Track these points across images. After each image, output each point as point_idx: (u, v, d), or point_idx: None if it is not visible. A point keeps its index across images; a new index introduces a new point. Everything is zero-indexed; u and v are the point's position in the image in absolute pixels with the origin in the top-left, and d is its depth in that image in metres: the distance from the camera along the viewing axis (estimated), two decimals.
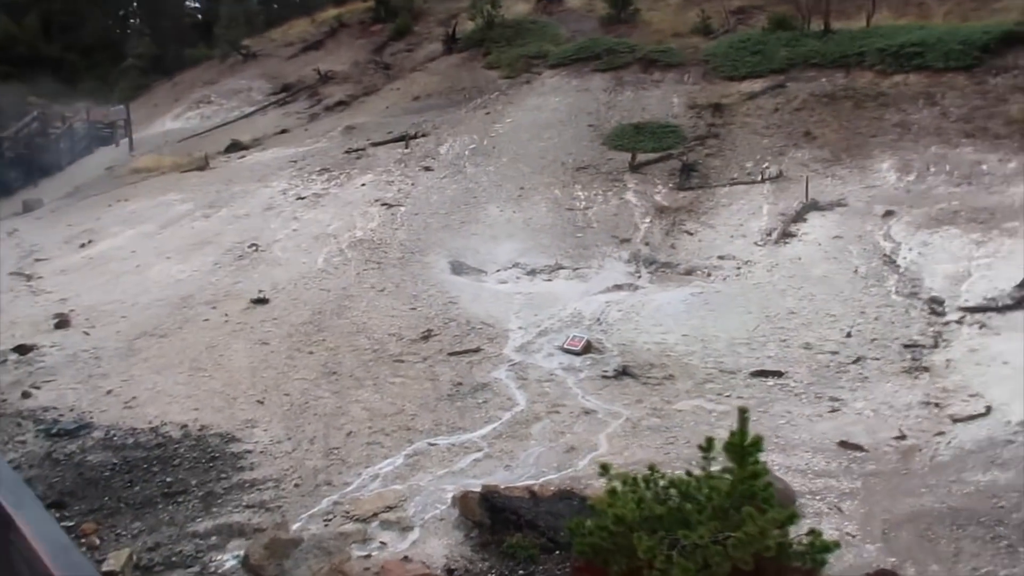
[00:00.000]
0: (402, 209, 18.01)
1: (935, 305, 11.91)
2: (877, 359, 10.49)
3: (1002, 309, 11.45)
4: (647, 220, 16.91)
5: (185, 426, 9.58)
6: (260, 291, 13.98)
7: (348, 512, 7.48)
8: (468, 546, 6.78)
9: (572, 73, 25.10)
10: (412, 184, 19.37)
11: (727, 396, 9.86)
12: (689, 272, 14.71)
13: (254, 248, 16.23)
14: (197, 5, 46.94)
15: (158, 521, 7.66)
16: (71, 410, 10.12)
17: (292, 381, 10.85)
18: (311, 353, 11.75)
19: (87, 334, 12.72)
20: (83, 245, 17.64)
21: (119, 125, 29.58)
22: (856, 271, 13.36)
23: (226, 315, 13.19)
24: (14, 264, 16.67)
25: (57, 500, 8.03)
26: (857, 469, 7.74)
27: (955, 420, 8.64)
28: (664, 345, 11.62)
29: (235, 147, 25.01)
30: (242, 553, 6.98)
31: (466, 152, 21.03)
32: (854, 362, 10.46)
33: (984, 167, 16.40)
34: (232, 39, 36.63)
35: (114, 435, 9.41)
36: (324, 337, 12.28)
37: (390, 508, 7.46)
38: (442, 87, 27.24)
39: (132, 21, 44.55)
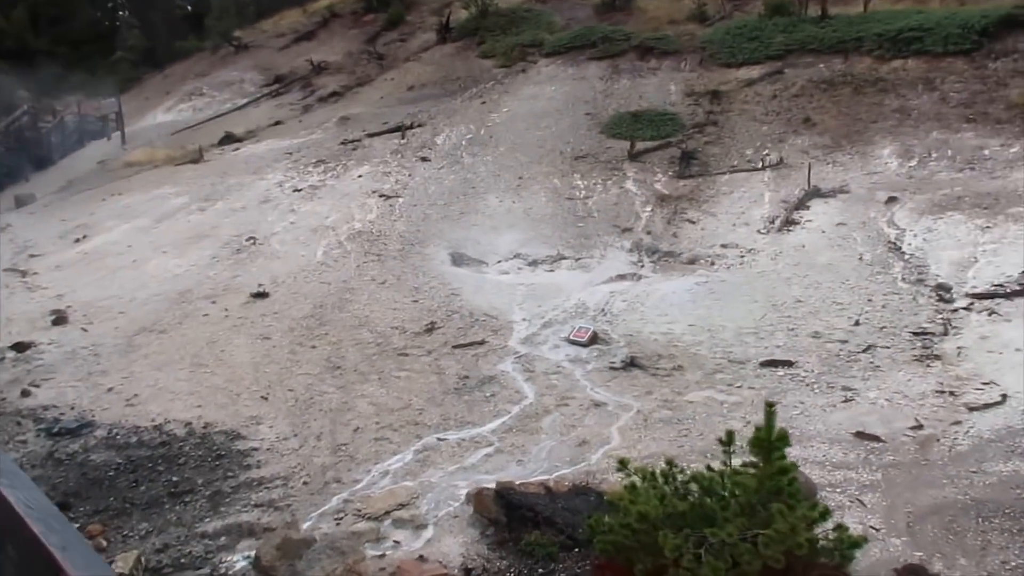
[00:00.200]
0: (400, 200, 17.84)
1: (942, 292, 11.81)
2: (887, 347, 10.38)
3: (1011, 295, 11.35)
4: (648, 209, 16.78)
5: (189, 424, 9.43)
6: (260, 285, 13.81)
7: (360, 510, 7.34)
8: (484, 544, 6.65)
9: (568, 61, 24.94)
10: (409, 175, 19.19)
11: (738, 387, 9.74)
12: (692, 261, 14.58)
13: (252, 241, 16.05)
14: None
15: (166, 521, 7.52)
16: (72, 408, 9.96)
17: (296, 376, 10.69)
18: (314, 347, 11.60)
19: (85, 330, 12.54)
20: (78, 240, 17.44)
21: (111, 118, 29.29)
22: (861, 258, 13.25)
23: (226, 309, 13.02)
24: (8, 260, 16.47)
25: (61, 501, 7.86)
26: (876, 460, 7.63)
27: (971, 409, 8.54)
28: (671, 335, 11.49)
29: (229, 139, 24.79)
30: (253, 554, 6.84)
31: (463, 142, 20.85)
32: (864, 351, 10.35)
33: (986, 152, 16.32)
34: (223, 30, 36.33)
35: (117, 434, 9.25)
36: (326, 331, 12.13)
37: (402, 506, 7.33)
38: (437, 77, 27.05)
39: (121, 13, 44.14)
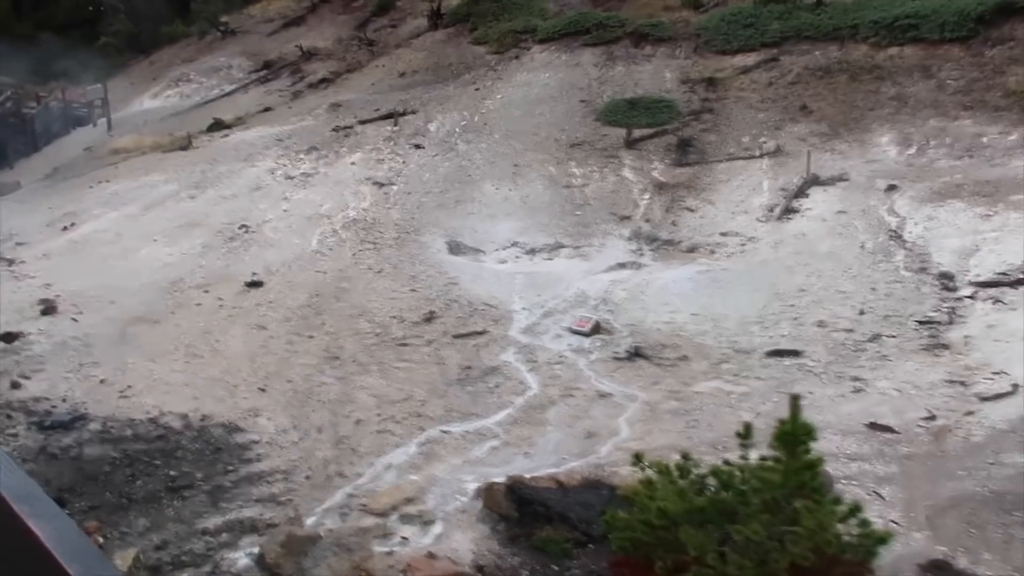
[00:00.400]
0: (395, 188, 17.61)
1: (946, 280, 11.70)
2: (894, 336, 10.26)
3: (1015, 283, 11.25)
4: (646, 197, 16.61)
5: (186, 416, 9.21)
6: (254, 274, 13.58)
7: (365, 505, 7.17)
8: (496, 540, 6.49)
9: (562, 48, 24.68)
10: (403, 162, 18.95)
11: (745, 377, 9.60)
12: (692, 249, 14.43)
13: (244, 229, 15.79)
14: None
15: (164, 518, 7.32)
16: (64, 401, 9.70)
17: (294, 367, 10.49)
18: (311, 338, 11.39)
19: (75, 320, 12.27)
20: (65, 228, 17.10)
21: (96, 105, 28.84)
22: (863, 247, 13.13)
23: (220, 299, 12.78)
24: None
25: (56, 497, 7.64)
26: (891, 452, 7.50)
27: (983, 399, 8.43)
28: (674, 325, 11.35)
29: (218, 126, 24.41)
30: (256, 551, 6.66)
31: (457, 129, 20.61)
32: (871, 340, 10.23)
33: (985, 140, 16.21)
34: (210, 15, 35.79)
35: (111, 427, 9.02)
36: (323, 321, 11.92)
37: (409, 500, 7.15)
38: (428, 63, 26.75)
39: None
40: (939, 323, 10.48)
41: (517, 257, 14.87)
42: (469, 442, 8.39)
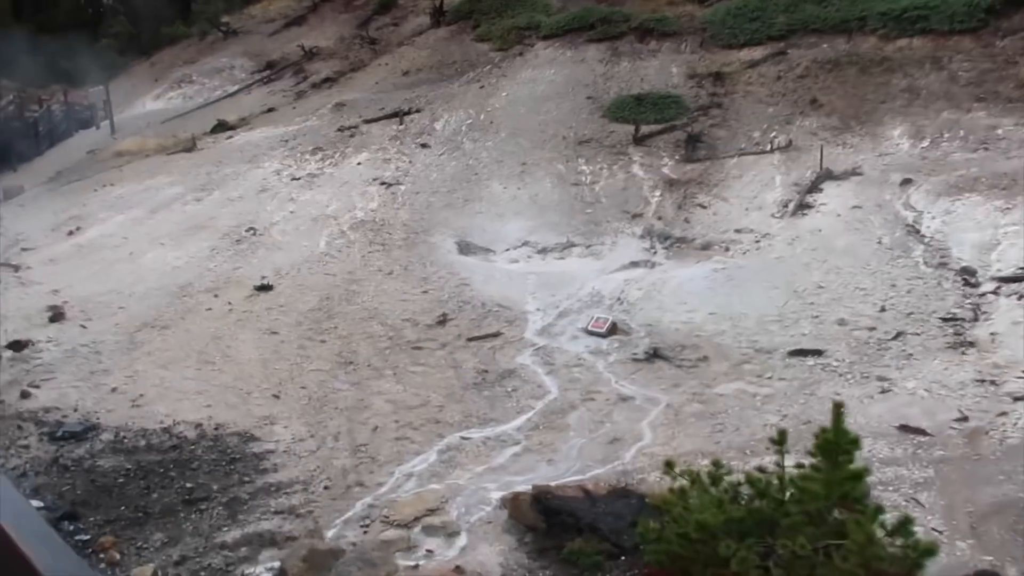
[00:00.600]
0: (402, 188, 17.44)
1: (967, 276, 11.51)
2: (918, 334, 10.07)
3: None
4: (657, 194, 16.42)
5: (199, 425, 9.04)
6: (263, 277, 13.41)
7: (387, 517, 7.00)
8: (523, 553, 6.32)
9: (566, 44, 24.47)
10: (410, 162, 18.78)
11: (768, 378, 9.42)
12: (706, 247, 14.25)
13: (252, 232, 15.62)
14: None
15: (181, 531, 7.15)
16: (75, 410, 9.54)
17: (307, 373, 10.32)
18: (323, 342, 11.23)
19: (84, 327, 12.10)
20: (71, 232, 16.94)
21: (99, 107, 28.66)
22: (880, 242, 12.94)
23: (229, 303, 12.61)
24: None
25: (69, 511, 7.49)
26: (925, 455, 7.32)
27: (1015, 399, 8.23)
28: (692, 324, 11.16)
29: (221, 127, 24.25)
30: (277, 565, 6.49)
31: (463, 128, 20.43)
32: (894, 338, 10.04)
33: (999, 132, 16.01)
34: (211, 16, 35.61)
35: (124, 437, 8.85)
36: (335, 324, 11.75)
37: (432, 511, 6.98)
38: (432, 61, 26.54)
39: (106, 0, 43.37)
40: (963, 320, 10.29)
41: (528, 257, 14.69)
42: (490, 449, 8.21)
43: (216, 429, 8.95)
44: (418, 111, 21.80)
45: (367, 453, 8.31)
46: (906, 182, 14.72)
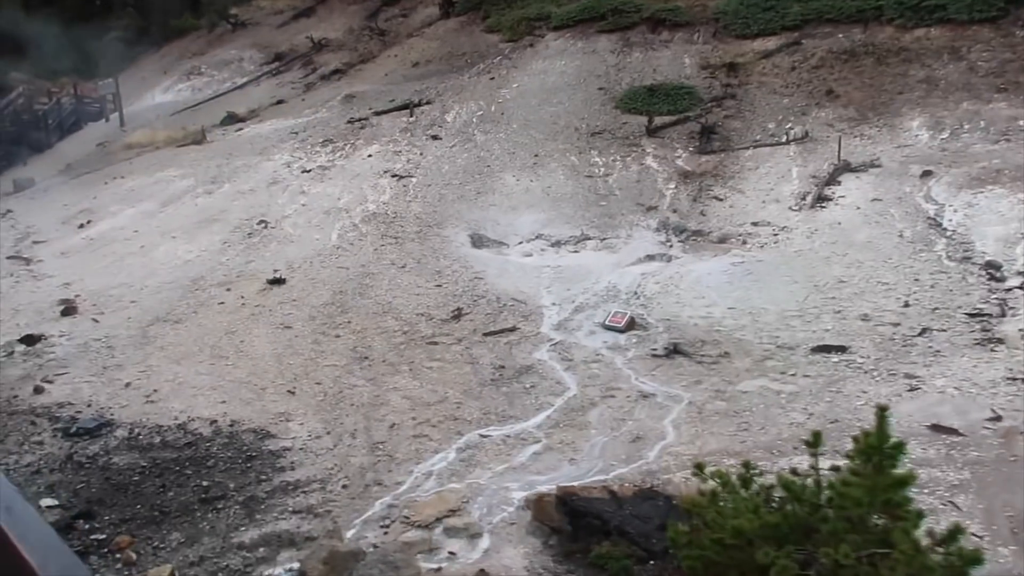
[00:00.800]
0: (413, 180, 17.27)
1: (992, 270, 11.32)
2: (944, 330, 9.89)
3: None
4: (672, 186, 16.24)
5: (214, 421, 8.92)
6: (275, 271, 13.28)
7: (408, 517, 6.86)
8: (549, 556, 6.17)
9: (577, 35, 24.24)
10: (421, 154, 18.61)
11: (791, 375, 9.25)
12: (723, 240, 14.05)
13: (263, 225, 15.48)
14: None
15: (198, 531, 7.03)
16: (89, 406, 9.43)
17: (322, 368, 10.19)
18: (337, 337, 11.09)
19: (96, 321, 12.01)
20: (82, 226, 16.84)
21: (108, 99, 28.51)
22: (901, 235, 12.74)
23: (242, 297, 12.49)
24: (10, 247, 15.88)
25: (85, 510, 7.38)
26: (959, 456, 7.15)
27: None
28: (711, 319, 10.99)
29: (231, 119, 24.13)
30: (296, 567, 6.36)
31: (474, 119, 20.24)
32: (920, 334, 9.86)
33: (1021, 123, 15.78)
34: (219, 8, 35.45)
35: (139, 433, 8.74)
36: (349, 319, 11.61)
37: (453, 512, 6.84)
38: (442, 53, 26.36)
39: None
40: (990, 316, 10.10)
41: (542, 250, 14.52)
42: (510, 447, 8.07)
43: (231, 426, 8.83)
44: (428, 103, 21.63)
45: (385, 451, 8.17)
46: (926, 174, 14.51)
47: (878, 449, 4.75)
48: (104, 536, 6.97)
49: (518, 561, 6.17)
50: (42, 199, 19.71)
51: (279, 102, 25.90)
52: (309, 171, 18.32)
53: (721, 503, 5.49)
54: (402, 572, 6.01)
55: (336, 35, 30.95)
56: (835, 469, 5.53)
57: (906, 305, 10.68)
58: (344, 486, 7.60)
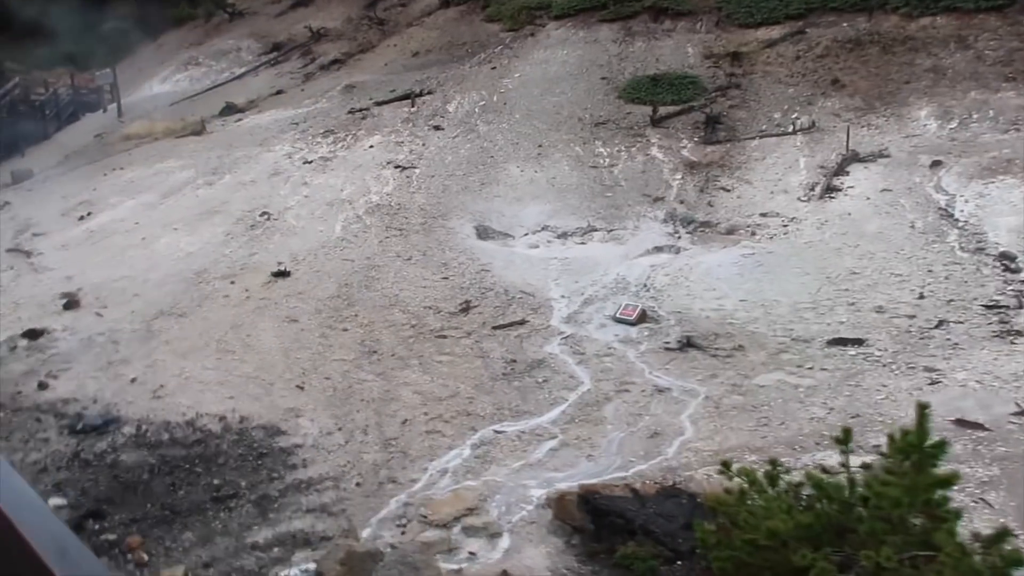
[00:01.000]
0: (417, 171, 17.10)
1: (1007, 261, 11.20)
2: (961, 322, 9.77)
3: None
4: (678, 176, 16.09)
5: (223, 418, 8.76)
6: (280, 263, 13.11)
7: (425, 516, 6.73)
8: (572, 556, 6.04)
9: (578, 24, 24.04)
10: (423, 144, 18.43)
11: (808, 368, 9.12)
12: (731, 231, 13.92)
13: (266, 216, 15.31)
14: None
15: (210, 531, 6.89)
16: (95, 402, 9.27)
17: (330, 363, 10.04)
18: (345, 330, 10.94)
19: (100, 315, 11.83)
20: (82, 218, 16.64)
21: (105, 90, 28.24)
22: (913, 226, 12.62)
23: (247, 290, 12.32)
24: (10, 240, 15.67)
25: (94, 509, 7.24)
26: (987, 452, 7.03)
27: None
28: (723, 312, 10.86)
29: (230, 110, 23.90)
30: (312, 567, 6.23)
31: (476, 109, 20.06)
32: (937, 326, 9.73)
33: None
34: None
35: (147, 430, 8.59)
36: (356, 312, 11.46)
37: (471, 510, 6.71)
38: (442, 42, 26.14)
39: None
40: (1007, 307, 9.98)
41: (549, 241, 14.37)
42: (525, 443, 7.94)
43: (241, 422, 8.68)
44: (430, 93, 21.43)
45: (398, 447, 8.04)
46: (936, 164, 14.38)
47: (918, 447, 4.62)
48: (115, 536, 6.83)
49: (540, 561, 6.04)
50: (41, 191, 19.50)
51: (278, 92, 25.66)
52: (311, 162, 18.14)
53: (749, 502, 5.38)
54: (422, 573, 5.88)
55: (335, 25, 30.68)
56: (866, 467, 5.42)
57: (921, 297, 10.56)
58: (358, 484, 7.46)
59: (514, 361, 9.80)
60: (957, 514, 4.81)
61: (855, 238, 12.53)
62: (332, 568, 6.02)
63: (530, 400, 8.83)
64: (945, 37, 18.81)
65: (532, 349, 10.14)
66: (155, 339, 10.94)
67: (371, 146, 18.70)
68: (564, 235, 14.51)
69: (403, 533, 6.58)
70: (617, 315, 10.93)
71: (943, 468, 4.65)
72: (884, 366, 8.99)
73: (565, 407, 8.60)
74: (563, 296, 11.86)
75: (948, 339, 9.40)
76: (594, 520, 6.23)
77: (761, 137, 17.17)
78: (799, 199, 14.30)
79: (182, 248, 14.27)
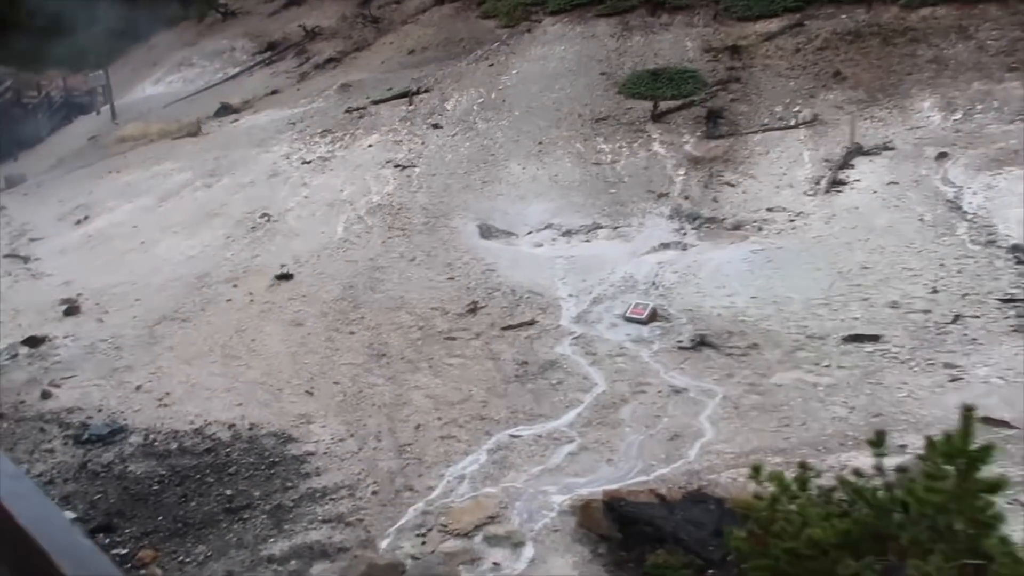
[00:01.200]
0: (417, 170, 16.94)
1: (1020, 254, 11.07)
2: (977, 317, 9.64)
3: None
4: (681, 172, 15.94)
5: (232, 425, 8.61)
6: (282, 265, 12.96)
7: (445, 525, 6.58)
8: (599, 565, 5.90)
9: (575, 19, 23.86)
10: (423, 143, 18.26)
11: (826, 366, 8.99)
12: (737, 227, 13.77)
13: (266, 218, 15.14)
14: None
15: (225, 543, 6.74)
16: (99, 411, 9.12)
17: (338, 367, 9.88)
18: (352, 333, 10.78)
19: (101, 321, 11.67)
20: (79, 222, 16.45)
21: (98, 92, 27.99)
22: (922, 219, 12.49)
23: (250, 294, 12.16)
24: (7, 245, 15.49)
25: (104, 522, 7.07)
26: (1017, 452, 6.91)
27: None
28: (734, 309, 10.73)
29: (225, 110, 23.68)
30: None
31: (475, 107, 19.88)
32: (953, 321, 9.61)
33: None
34: None
35: (154, 439, 8.43)
36: (362, 315, 11.30)
37: (492, 519, 6.57)
38: (438, 39, 25.94)
39: None
40: (1023, 302, 9.86)
41: (553, 240, 14.22)
42: (543, 448, 7.79)
43: (250, 429, 8.52)
44: (427, 91, 21.24)
45: (412, 454, 7.89)
46: (942, 156, 14.26)
47: (964, 452, 4.48)
48: (126, 551, 6.67)
49: (567, 571, 5.90)
50: (36, 195, 19.29)
51: (274, 92, 25.46)
52: (309, 162, 17.96)
53: (780, 508, 5.24)
54: None
55: (329, 23, 30.46)
56: (901, 470, 5.28)
57: (934, 291, 10.43)
58: (374, 492, 7.31)
59: (526, 363, 9.66)
60: (999, 518, 4.68)
61: (864, 232, 12.40)
62: None
63: (544, 403, 8.69)
64: (946, 28, 18.68)
65: (543, 350, 9.99)
66: (159, 345, 10.77)
67: (370, 145, 18.53)
68: (569, 233, 14.37)
69: (424, 544, 6.44)
70: (627, 314, 10.79)
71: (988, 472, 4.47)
72: (903, 363, 8.86)
73: (581, 409, 8.45)
74: (571, 295, 11.72)
75: (966, 334, 9.27)
76: (621, 528, 6.09)
77: (764, 131, 17.03)
78: (805, 193, 14.16)
79: (182, 252, 14.09)
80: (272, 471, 7.73)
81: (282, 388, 9.39)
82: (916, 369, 8.67)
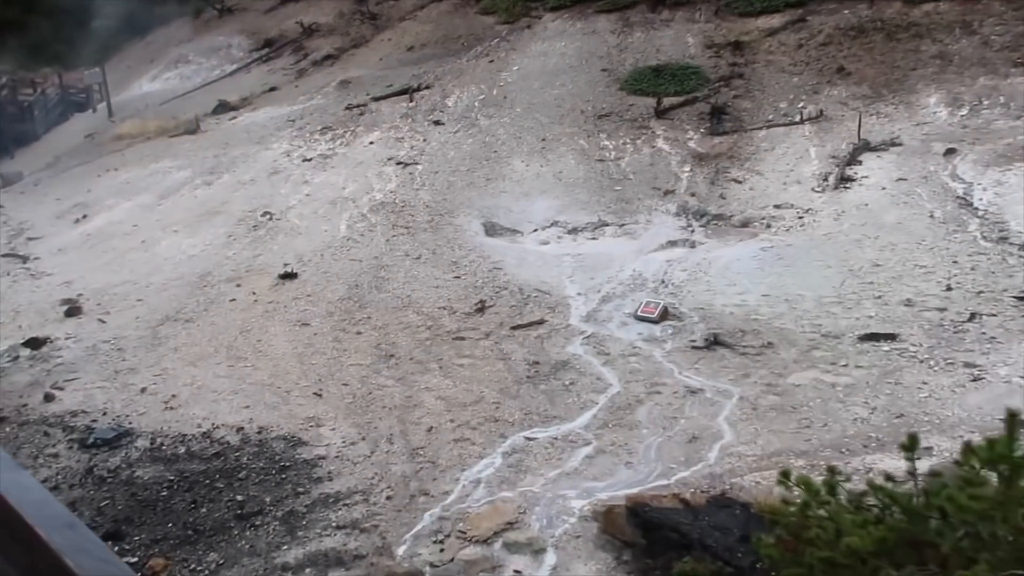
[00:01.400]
0: (419, 167, 16.78)
1: None
2: (994, 315, 9.52)
3: None
4: (687, 169, 15.81)
5: (241, 429, 8.45)
6: (286, 264, 12.80)
7: (463, 532, 6.44)
8: (625, 573, 5.77)
9: (575, 15, 23.75)
10: (424, 140, 18.10)
11: (843, 366, 8.86)
12: (745, 224, 13.64)
13: (268, 216, 14.97)
14: None
15: (237, 551, 6.59)
16: (104, 414, 8.95)
17: (347, 368, 9.73)
18: (359, 334, 10.63)
19: (103, 322, 11.50)
20: (78, 220, 16.26)
21: (95, 89, 27.73)
22: (932, 216, 12.38)
23: (254, 293, 12.00)
24: (5, 244, 15.29)
25: (112, 530, 6.92)
26: None
27: None
28: (746, 307, 10.60)
29: (223, 108, 23.47)
30: None
31: (476, 104, 19.73)
32: (969, 320, 9.49)
33: None
34: None
35: (161, 443, 8.27)
36: (368, 314, 11.15)
37: (511, 524, 6.43)
38: (437, 35, 25.77)
39: None
40: None
41: (559, 237, 14.07)
42: (559, 450, 7.65)
43: (259, 433, 8.36)
44: (427, 87, 21.09)
45: (426, 457, 7.74)
46: (950, 152, 14.16)
47: (1008, 458, 4.35)
48: (136, 559, 6.52)
49: None
50: (33, 193, 19.08)
51: (272, 89, 25.27)
52: (310, 160, 17.79)
53: (810, 514, 5.11)
54: None
55: (326, 19, 30.24)
56: (935, 475, 5.16)
57: (948, 289, 10.31)
58: (388, 497, 7.16)
59: (537, 363, 9.52)
60: None
61: (874, 229, 12.28)
62: None
63: (558, 404, 8.55)
64: (950, 23, 18.60)
65: (554, 350, 9.85)
66: (162, 346, 10.61)
67: (371, 142, 18.37)
68: (575, 230, 14.23)
69: (442, 551, 6.29)
70: (638, 313, 10.65)
71: None
72: (921, 362, 8.74)
73: (596, 411, 8.32)
74: (580, 293, 11.58)
75: (983, 333, 9.15)
76: (645, 534, 5.96)
77: (769, 127, 16.91)
78: (813, 190, 14.04)
79: (184, 250, 13.92)
80: (283, 476, 7.58)
81: (290, 390, 9.23)
82: (936, 369, 8.55)
